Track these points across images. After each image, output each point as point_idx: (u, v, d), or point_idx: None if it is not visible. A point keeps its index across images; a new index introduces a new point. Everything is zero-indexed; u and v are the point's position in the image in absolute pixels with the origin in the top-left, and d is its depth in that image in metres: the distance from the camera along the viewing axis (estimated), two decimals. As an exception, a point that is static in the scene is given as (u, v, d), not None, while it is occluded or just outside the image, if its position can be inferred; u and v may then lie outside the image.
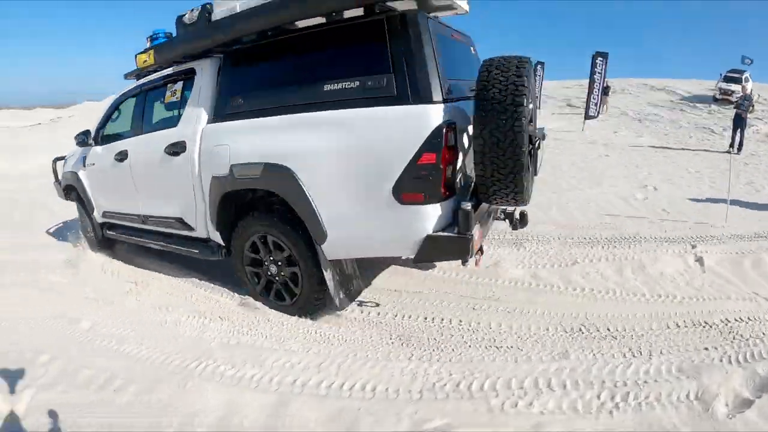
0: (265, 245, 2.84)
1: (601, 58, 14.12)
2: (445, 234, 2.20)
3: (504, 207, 2.85)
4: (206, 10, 2.82)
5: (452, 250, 2.20)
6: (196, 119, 2.92)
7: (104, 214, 4.08)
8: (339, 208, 2.39)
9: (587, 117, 14.41)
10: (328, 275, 2.64)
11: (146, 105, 3.50)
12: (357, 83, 2.29)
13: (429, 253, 2.25)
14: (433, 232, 2.21)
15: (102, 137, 3.91)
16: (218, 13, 2.70)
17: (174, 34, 3.20)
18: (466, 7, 2.75)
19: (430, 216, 2.20)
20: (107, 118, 3.94)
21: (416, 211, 2.20)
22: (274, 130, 2.53)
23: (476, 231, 2.22)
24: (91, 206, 4.17)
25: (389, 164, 2.20)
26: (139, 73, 3.61)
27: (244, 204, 2.91)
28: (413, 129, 2.15)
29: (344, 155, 2.30)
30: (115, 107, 3.89)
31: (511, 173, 2.19)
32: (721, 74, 18.13)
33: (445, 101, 2.21)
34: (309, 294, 2.76)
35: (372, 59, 2.30)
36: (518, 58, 2.21)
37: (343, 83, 2.32)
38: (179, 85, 3.16)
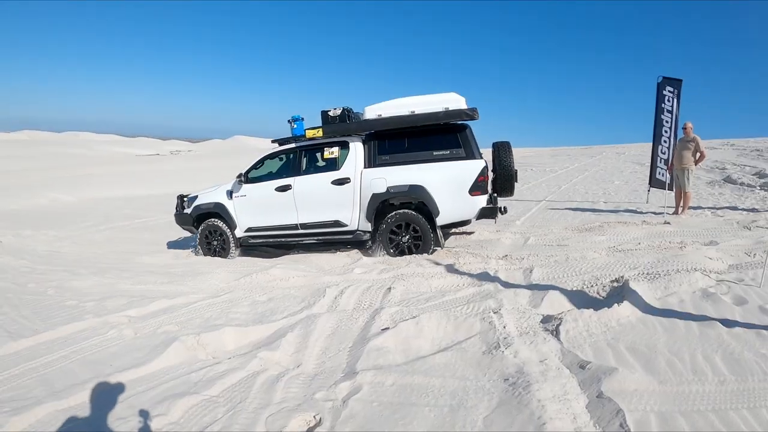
0: (399, 227, 6.03)
1: (671, 88, 9.09)
2: (488, 205, 5.86)
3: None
4: (346, 110, 6.28)
5: (491, 212, 5.88)
6: (354, 165, 6.14)
7: (247, 230, 6.75)
8: (445, 200, 5.84)
9: (653, 184, 9.55)
10: (438, 233, 6.04)
11: (303, 158, 6.47)
12: (449, 152, 5.89)
13: (482, 214, 5.85)
14: (485, 205, 5.85)
15: (250, 179, 6.65)
16: (368, 115, 6.17)
17: (302, 117, 6.45)
18: (477, 117, 5.94)
19: (483, 200, 5.80)
20: (254, 167, 6.68)
21: (477, 198, 5.78)
22: (415, 170, 5.92)
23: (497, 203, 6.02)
24: (234, 225, 6.71)
25: (467, 180, 5.75)
26: (282, 141, 6.74)
27: (389, 206, 6.13)
28: (476, 167, 5.75)
29: (448, 179, 5.82)
30: (262, 162, 6.72)
31: (507, 182, 6.21)
32: None
33: (480, 158, 5.87)
34: (426, 245, 5.96)
35: (453, 142, 5.92)
36: (503, 143, 6.30)
37: (442, 151, 5.92)
38: (335, 148, 6.20)
